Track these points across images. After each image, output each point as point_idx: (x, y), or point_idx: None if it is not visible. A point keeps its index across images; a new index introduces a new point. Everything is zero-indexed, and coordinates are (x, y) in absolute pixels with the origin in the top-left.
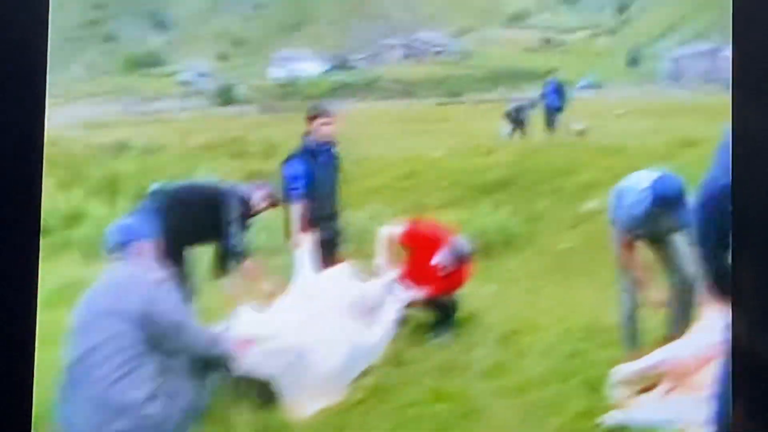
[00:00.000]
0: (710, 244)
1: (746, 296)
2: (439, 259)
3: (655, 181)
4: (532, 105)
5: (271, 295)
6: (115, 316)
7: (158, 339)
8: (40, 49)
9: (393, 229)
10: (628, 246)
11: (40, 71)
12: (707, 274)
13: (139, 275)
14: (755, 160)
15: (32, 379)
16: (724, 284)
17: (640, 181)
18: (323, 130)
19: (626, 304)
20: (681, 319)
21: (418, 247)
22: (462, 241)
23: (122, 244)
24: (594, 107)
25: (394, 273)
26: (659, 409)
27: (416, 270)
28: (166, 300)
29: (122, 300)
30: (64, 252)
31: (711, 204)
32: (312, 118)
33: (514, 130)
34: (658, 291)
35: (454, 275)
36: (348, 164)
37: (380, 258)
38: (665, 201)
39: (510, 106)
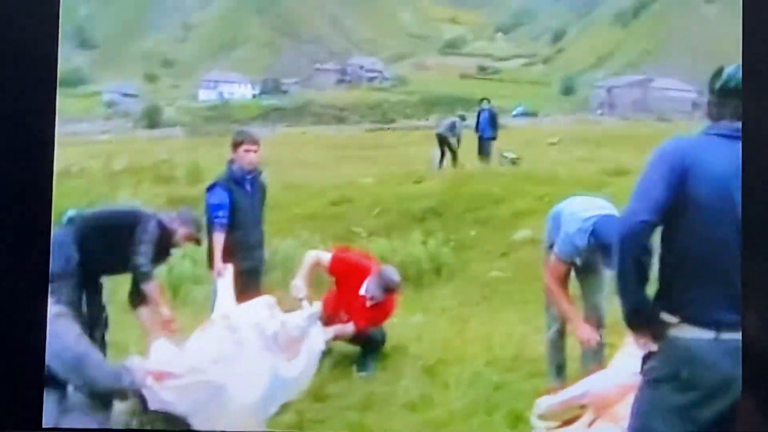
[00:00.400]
0: (629, 277)
1: (755, 297)
2: (366, 289)
3: (599, 220)
4: (455, 127)
5: (167, 323)
6: None
7: (57, 376)
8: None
9: (321, 255)
10: (562, 273)
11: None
12: (625, 308)
13: None
14: (763, 161)
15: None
16: (642, 318)
17: (580, 208)
18: (247, 157)
19: (552, 334)
20: (594, 352)
21: (345, 276)
22: (390, 270)
23: None
24: (528, 135)
25: (317, 306)
26: None
27: (343, 299)
28: (61, 336)
29: None
30: None
31: (629, 238)
32: (236, 144)
33: (442, 153)
34: (585, 327)
35: (382, 306)
36: (276, 190)
37: (299, 279)
38: (606, 242)
39: (440, 128)
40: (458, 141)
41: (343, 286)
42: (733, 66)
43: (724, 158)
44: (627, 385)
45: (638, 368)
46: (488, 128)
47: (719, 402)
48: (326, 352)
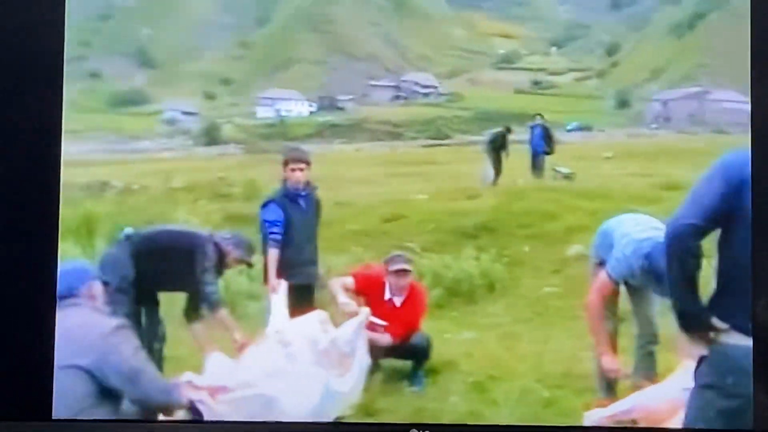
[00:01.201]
0: (675, 279)
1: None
2: (388, 290)
3: (655, 244)
4: (499, 139)
5: (241, 347)
6: (67, 369)
7: (112, 389)
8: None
9: (343, 279)
10: (610, 292)
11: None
12: (676, 310)
13: (92, 323)
14: None
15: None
16: (692, 322)
17: (635, 229)
18: (294, 176)
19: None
20: (646, 367)
21: (370, 290)
22: (396, 255)
23: (72, 289)
24: (582, 150)
25: (364, 312)
26: None
27: (376, 312)
28: (120, 349)
29: (74, 352)
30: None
31: (674, 240)
32: (284, 162)
33: (494, 167)
34: (610, 358)
35: (410, 303)
36: (330, 207)
37: (342, 298)
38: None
39: (486, 140)
40: (505, 153)
41: (371, 300)
42: None
43: None
44: (678, 400)
45: (689, 384)
46: (541, 143)
47: None
48: (377, 367)
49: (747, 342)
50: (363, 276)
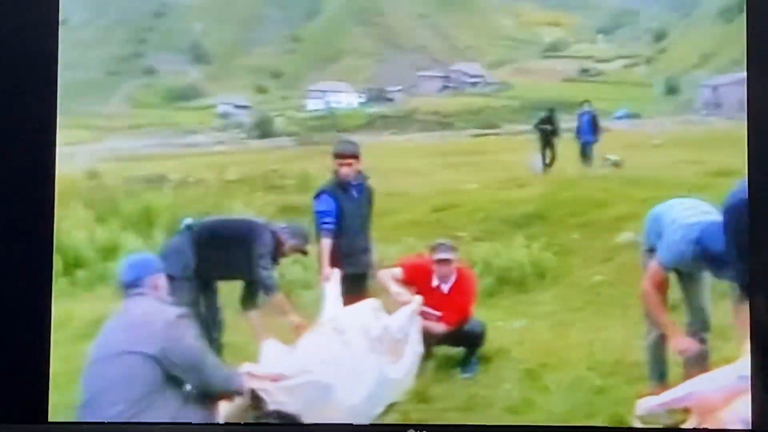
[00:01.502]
0: (735, 247)
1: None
2: (435, 278)
3: (705, 227)
4: (547, 121)
5: (298, 329)
6: (131, 355)
7: (175, 376)
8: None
9: (392, 270)
10: (662, 280)
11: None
12: (736, 277)
13: (156, 312)
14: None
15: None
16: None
17: (684, 214)
18: (341, 170)
19: (653, 339)
20: (698, 356)
21: (419, 279)
22: (439, 243)
23: (137, 280)
24: (630, 137)
25: (417, 300)
26: None
27: (426, 300)
28: (184, 337)
29: (139, 339)
30: (101, 284)
31: (731, 212)
32: (334, 156)
33: (544, 152)
34: (683, 338)
35: (459, 288)
36: (382, 198)
37: (395, 288)
38: (712, 250)
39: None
40: (556, 139)
41: (420, 289)
42: None
43: None
44: (732, 388)
45: (745, 371)
46: (589, 131)
47: None
48: (430, 354)
49: None
50: (410, 265)
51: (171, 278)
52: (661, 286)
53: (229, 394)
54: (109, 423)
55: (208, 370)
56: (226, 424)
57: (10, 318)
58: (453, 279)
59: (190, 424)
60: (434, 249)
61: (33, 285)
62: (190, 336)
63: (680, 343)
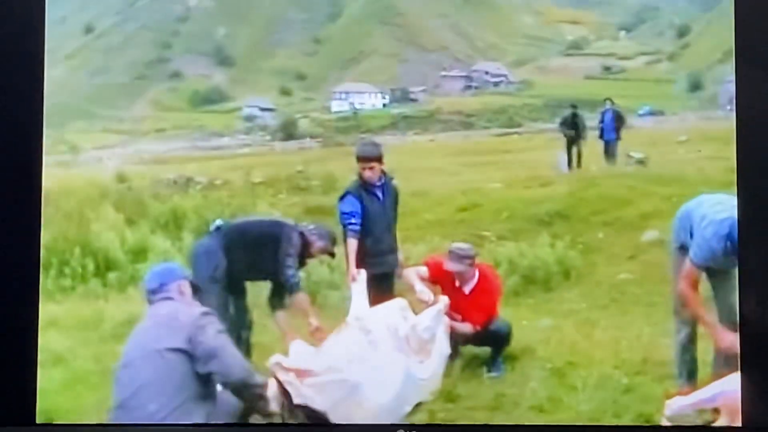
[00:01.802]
0: None
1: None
2: (456, 278)
3: (735, 222)
4: (571, 120)
5: (317, 332)
6: (160, 353)
7: (204, 374)
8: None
9: (417, 269)
10: (696, 278)
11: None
12: None
13: (181, 310)
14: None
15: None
16: None
17: (713, 210)
18: (364, 174)
19: (683, 338)
20: (728, 356)
21: (444, 279)
22: (451, 251)
23: (162, 286)
24: (654, 135)
25: (443, 300)
26: None
27: (451, 304)
28: (209, 327)
29: (167, 335)
30: (131, 286)
31: None
32: (357, 159)
33: (569, 151)
34: (728, 334)
35: (482, 288)
36: (407, 198)
37: (419, 286)
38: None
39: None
40: (583, 139)
41: (445, 288)
42: None
43: None
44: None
45: None
46: (612, 129)
47: None
48: (456, 354)
49: None
50: (435, 264)
51: (198, 283)
52: (696, 285)
53: (250, 387)
54: (95, 425)
55: (229, 359)
56: (237, 425)
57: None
58: (475, 280)
59: (184, 425)
60: (448, 257)
61: (21, 287)
62: (214, 328)
63: (725, 340)
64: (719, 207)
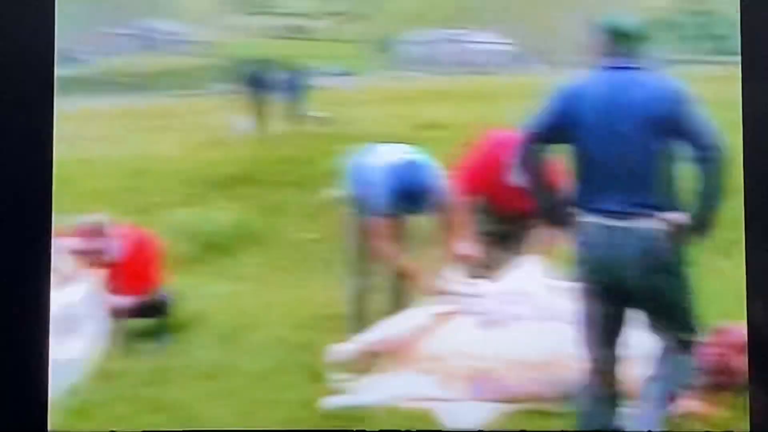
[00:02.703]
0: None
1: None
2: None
3: (405, 165)
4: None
5: None
6: None
7: None
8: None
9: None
10: (386, 229)
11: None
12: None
13: None
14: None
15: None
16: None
17: (382, 158)
18: None
19: (354, 287)
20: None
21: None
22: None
23: None
24: (341, 95)
25: (94, 277)
26: (378, 388)
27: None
28: None
29: None
30: None
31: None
32: None
33: (253, 106)
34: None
35: (134, 257)
36: (65, 167)
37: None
38: (417, 186)
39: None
40: (266, 99)
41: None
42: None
43: (606, 85)
44: (423, 326)
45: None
46: (296, 89)
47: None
48: (120, 329)
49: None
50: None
51: None
52: (388, 234)
53: None
54: None
55: None
56: None
57: (7, 330)
58: (123, 251)
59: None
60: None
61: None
62: None
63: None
64: (387, 154)
